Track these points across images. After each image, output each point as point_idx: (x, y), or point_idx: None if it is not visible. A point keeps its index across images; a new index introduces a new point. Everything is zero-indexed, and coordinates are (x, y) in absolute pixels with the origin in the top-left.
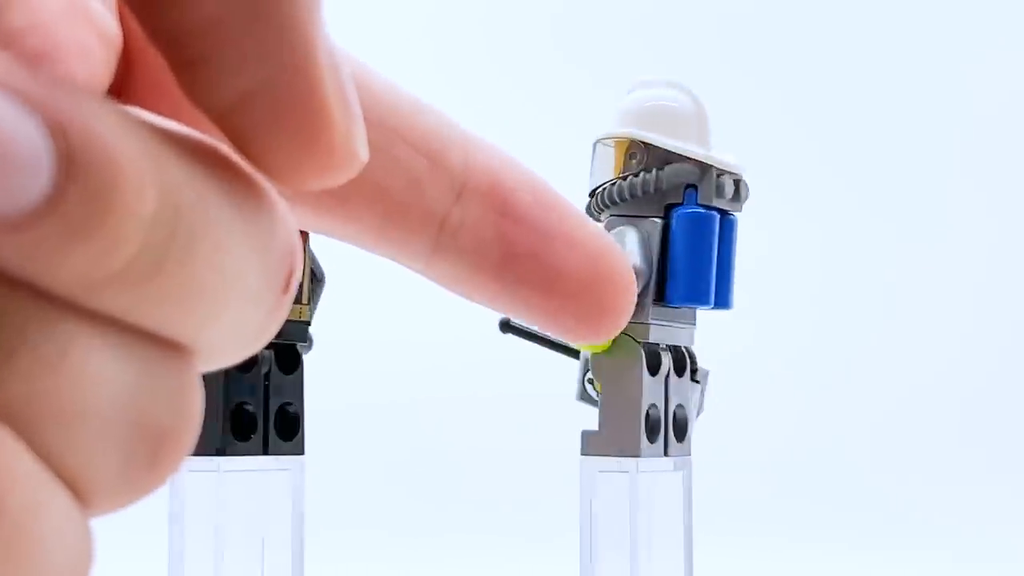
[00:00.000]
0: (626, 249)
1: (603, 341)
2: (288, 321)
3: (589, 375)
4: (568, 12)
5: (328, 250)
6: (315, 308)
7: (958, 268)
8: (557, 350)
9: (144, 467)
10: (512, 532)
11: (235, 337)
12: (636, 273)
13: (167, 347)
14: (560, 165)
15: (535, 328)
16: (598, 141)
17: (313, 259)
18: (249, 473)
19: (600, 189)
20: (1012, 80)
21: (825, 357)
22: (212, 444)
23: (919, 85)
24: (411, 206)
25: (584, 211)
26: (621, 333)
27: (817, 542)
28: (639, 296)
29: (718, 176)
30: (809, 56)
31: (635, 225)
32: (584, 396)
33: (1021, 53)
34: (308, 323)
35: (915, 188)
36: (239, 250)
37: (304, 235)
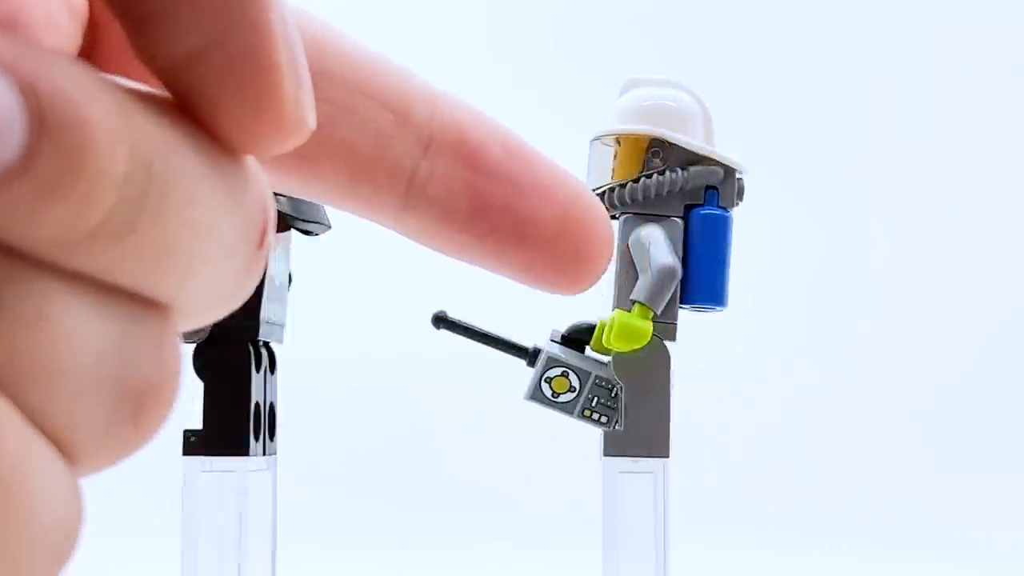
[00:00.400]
0: (659, 249)
1: (581, 291)
2: (269, 323)
3: (549, 374)
4: (564, 10)
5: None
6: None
7: (955, 269)
8: (498, 347)
9: (128, 423)
10: (509, 532)
11: (212, 294)
12: (672, 273)
13: (146, 305)
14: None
15: (471, 323)
16: (596, 139)
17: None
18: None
19: (614, 187)
20: (1013, 80)
21: (816, 357)
22: (240, 445)
23: (917, 85)
24: (379, 161)
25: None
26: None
27: (808, 543)
28: (672, 297)
29: (738, 179)
30: (803, 55)
31: (660, 224)
32: (537, 395)
33: (1017, 54)
34: (282, 325)
35: (913, 187)
36: (212, 206)
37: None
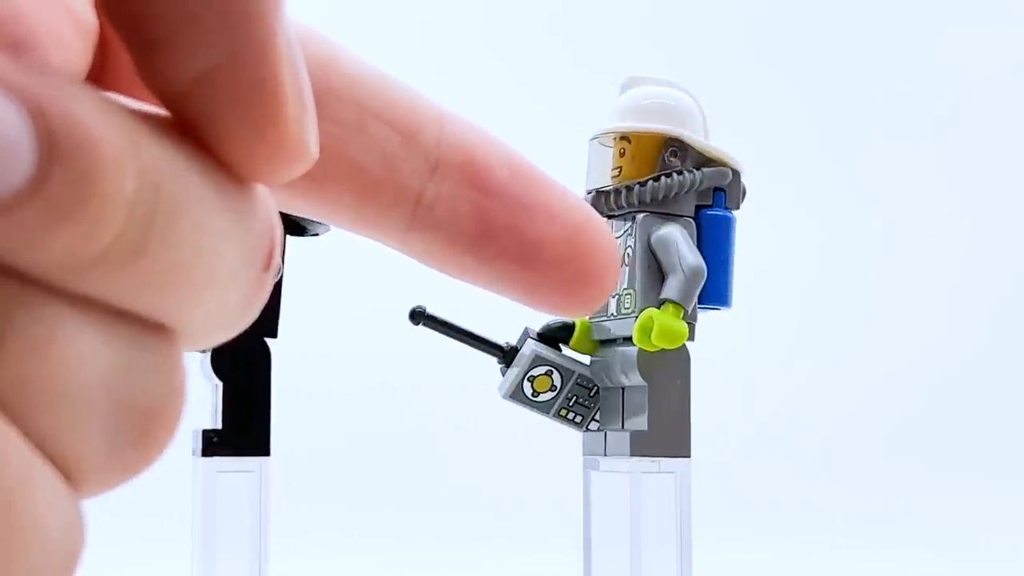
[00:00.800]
0: (687, 248)
1: (588, 313)
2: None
3: (533, 372)
4: (561, 9)
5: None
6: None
7: (957, 267)
8: (474, 344)
9: (132, 447)
10: (502, 532)
11: (218, 316)
12: (702, 273)
13: (152, 328)
14: (554, 162)
15: (448, 319)
16: (595, 138)
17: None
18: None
19: (631, 185)
20: (1011, 79)
21: (821, 356)
22: (261, 444)
23: (917, 85)
24: (386, 182)
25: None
26: None
27: (816, 544)
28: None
29: (742, 180)
30: (804, 54)
31: (678, 224)
32: (517, 394)
33: (1018, 53)
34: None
35: (914, 187)
36: (219, 229)
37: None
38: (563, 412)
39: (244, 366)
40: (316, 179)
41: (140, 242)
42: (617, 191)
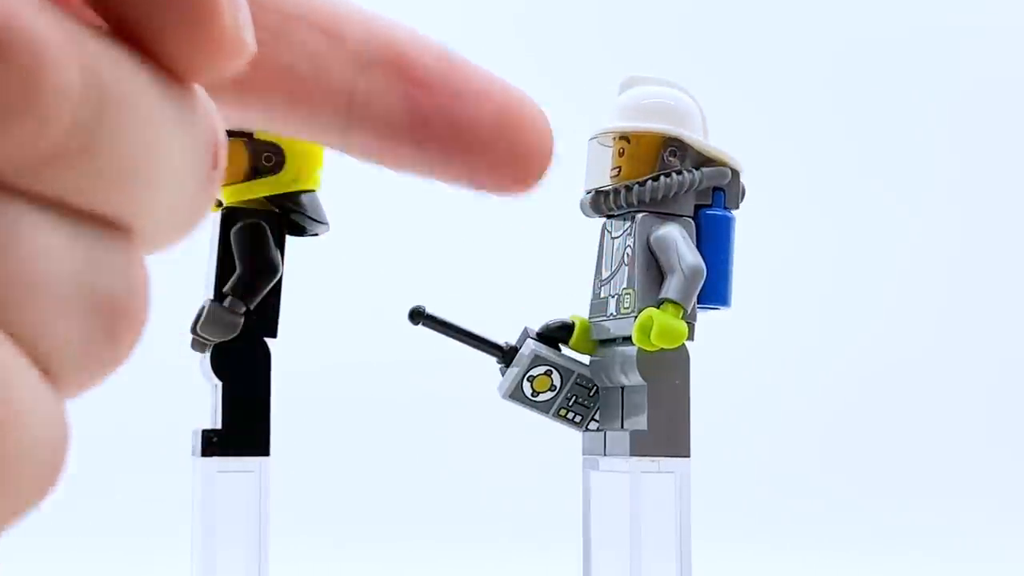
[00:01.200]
0: (686, 248)
1: (526, 192)
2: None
3: (533, 372)
4: (559, 10)
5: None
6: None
7: (959, 269)
8: (474, 343)
9: (104, 341)
10: (502, 532)
11: (172, 214)
12: (701, 273)
13: (110, 227)
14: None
15: (447, 319)
16: (594, 138)
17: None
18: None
19: (630, 185)
20: (1009, 79)
21: (821, 356)
22: (260, 444)
23: (911, 84)
24: (316, 84)
25: (585, 204)
26: None
27: (815, 544)
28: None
29: (741, 180)
30: (800, 54)
31: (677, 224)
32: (517, 394)
33: (1019, 52)
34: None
35: (915, 188)
36: (166, 126)
37: None
38: (562, 412)
39: (244, 366)
40: (246, 86)
41: (89, 137)
42: (616, 191)
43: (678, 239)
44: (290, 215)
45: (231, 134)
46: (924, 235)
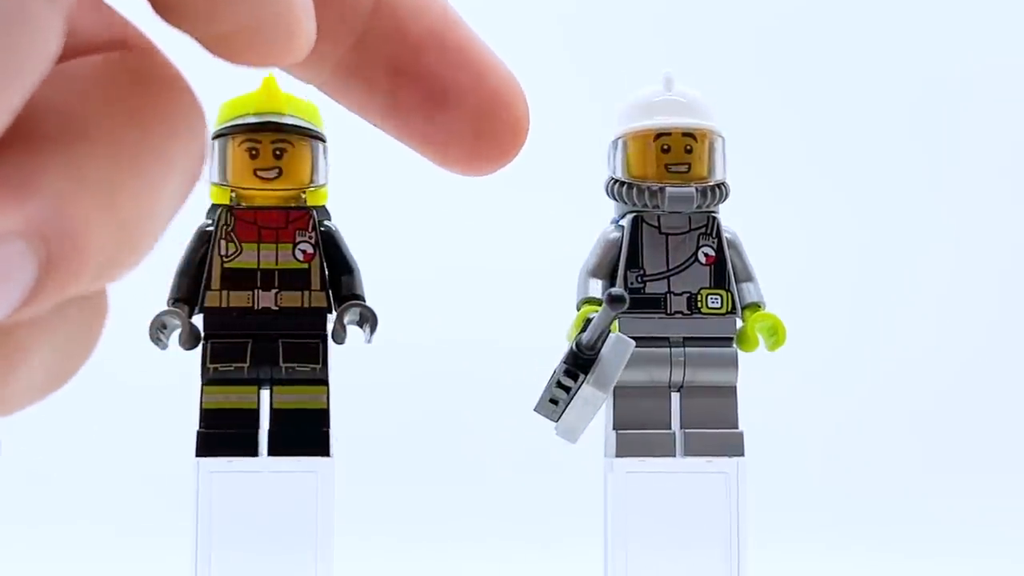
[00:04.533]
0: (745, 250)
1: (495, 169)
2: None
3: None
4: (559, 10)
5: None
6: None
7: (979, 268)
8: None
9: None
10: (524, 533)
11: (170, 216)
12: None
13: None
14: (552, 164)
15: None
16: (620, 137)
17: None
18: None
19: (714, 185)
20: (1007, 78)
21: (835, 359)
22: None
23: (910, 84)
24: (339, 21)
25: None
26: None
27: (850, 544)
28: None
29: None
30: (798, 55)
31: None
32: (545, 407)
33: (1017, 53)
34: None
35: (910, 188)
36: (176, 173)
37: None
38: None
39: None
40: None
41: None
42: (706, 190)
43: (741, 242)
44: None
45: (306, 135)
46: (947, 232)
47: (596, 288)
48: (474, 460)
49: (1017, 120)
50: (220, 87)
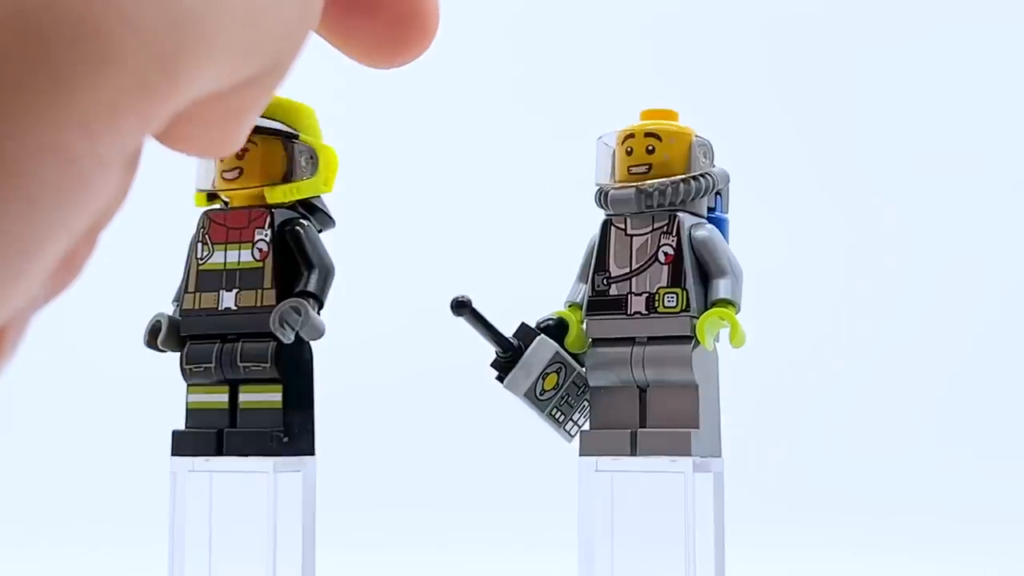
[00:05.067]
0: (731, 251)
1: (400, 63)
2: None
3: (548, 370)
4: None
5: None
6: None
7: (977, 269)
8: (493, 337)
9: None
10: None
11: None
12: (742, 275)
13: None
14: (553, 162)
15: (486, 316)
16: (600, 138)
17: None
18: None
19: (676, 182)
20: (1007, 78)
21: (829, 358)
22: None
23: (909, 86)
24: None
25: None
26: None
27: (838, 548)
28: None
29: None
30: (799, 56)
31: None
32: (530, 393)
33: (1017, 54)
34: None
35: (908, 187)
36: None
37: None
38: (553, 412)
39: (301, 367)
40: None
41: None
42: (662, 189)
43: (723, 241)
44: (314, 214)
45: (270, 133)
46: (943, 233)
47: (577, 292)
48: (455, 460)
49: (1017, 120)
50: None
